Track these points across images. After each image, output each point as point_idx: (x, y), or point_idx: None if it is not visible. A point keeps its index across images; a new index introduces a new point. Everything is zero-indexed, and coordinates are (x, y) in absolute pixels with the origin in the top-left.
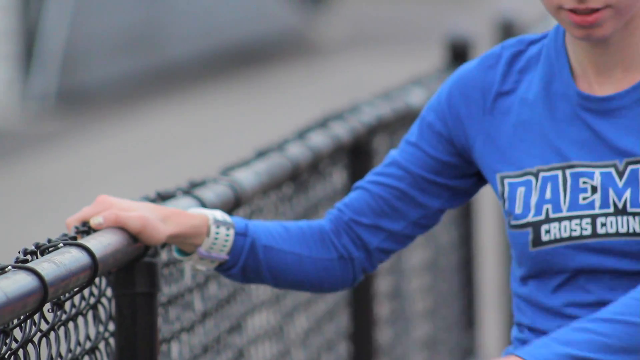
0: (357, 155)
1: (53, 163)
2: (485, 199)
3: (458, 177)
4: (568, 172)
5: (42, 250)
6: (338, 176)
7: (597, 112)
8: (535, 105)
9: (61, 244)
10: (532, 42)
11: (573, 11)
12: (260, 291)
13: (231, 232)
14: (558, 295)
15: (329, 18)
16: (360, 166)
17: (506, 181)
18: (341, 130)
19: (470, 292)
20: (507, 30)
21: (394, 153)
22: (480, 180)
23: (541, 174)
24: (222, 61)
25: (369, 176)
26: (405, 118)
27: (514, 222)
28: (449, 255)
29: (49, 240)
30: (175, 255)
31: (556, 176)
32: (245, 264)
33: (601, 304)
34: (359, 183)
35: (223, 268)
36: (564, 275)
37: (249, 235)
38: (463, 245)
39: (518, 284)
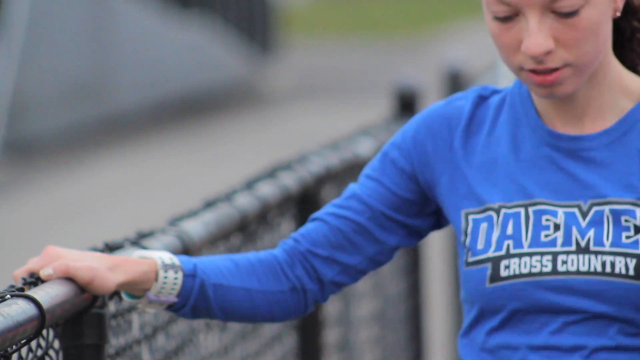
0: (305, 205)
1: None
2: (434, 250)
3: (417, 215)
4: (531, 209)
5: None
6: (286, 226)
7: (566, 151)
8: (500, 146)
9: (8, 295)
10: (496, 92)
11: (533, 71)
12: (209, 343)
13: (179, 274)
14: (501, 334)
15: (277, 68)
16: (309, 216)
17: (470, 217)
18: (289, 181)
19: (419, 343)
20: (454, 80)
21: (353, 187)
22: (437, 221)
23: (503, 210)
24: (171, 111)
25: (328, 208)
26: (354, 168)
27: (472, 259)
28: (397, 305)
29: None
30: (125, 297)
31: (518, 213)
32: (195, 304)
33: (551, 347)
34: (317, 214)
35: (173, 308)
36: (518, 313)
37: (198, 276)
38: (411, 296)
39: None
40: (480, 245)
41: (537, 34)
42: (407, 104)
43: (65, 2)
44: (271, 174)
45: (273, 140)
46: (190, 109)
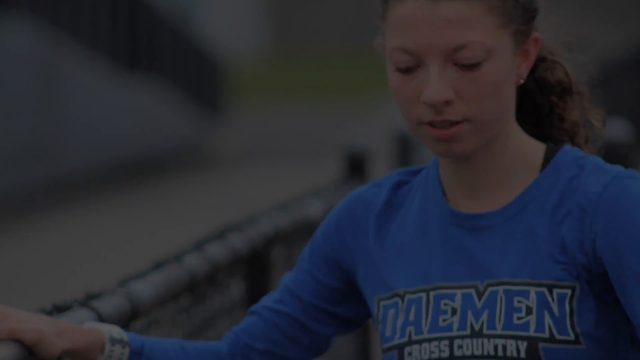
0: (254, 266)
1: None
2: None
3: (349, 304)
4: (432, 294)
5: None
6: (236, 287)
7: (468, 229)
8: (410, 229)
9: None
10: (416, 173)
11: (432, 125)
12: None
13: (126, 350)
14: None
15: (226, 130)
16: (258, 277)
17: (382, 304)
18: (238, 242)
19: None
20: (403, 141)
21: (287, 278)
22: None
23: (407, 296)
24: (119, 172)
25: (264, 301)
26: (303, 229)
27: (384, 346)
28: None
29: None
30: None
31: (420, 298)
32: None
33: None
34: (255, 308)
35: None
36: None
37: (144, 355)
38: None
39: None
40: (388, 333)
41: (437, 83)
42: (356, 166)
43: (15, 63)
44: (220, 235)
45: (222, 202)
46: (139, 170)
